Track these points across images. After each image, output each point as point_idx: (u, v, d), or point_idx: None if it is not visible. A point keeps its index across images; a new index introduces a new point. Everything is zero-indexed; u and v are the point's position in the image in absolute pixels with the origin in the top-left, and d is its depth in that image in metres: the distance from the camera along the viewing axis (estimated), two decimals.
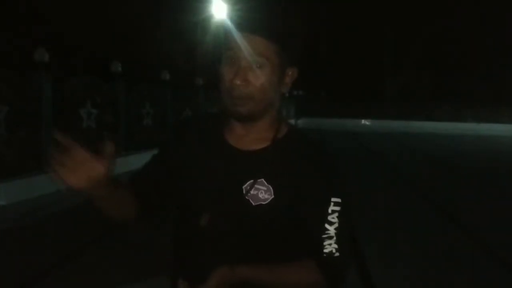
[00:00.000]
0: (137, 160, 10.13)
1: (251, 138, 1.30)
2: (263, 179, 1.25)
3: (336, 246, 1.28)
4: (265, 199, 1.24)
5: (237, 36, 1.21)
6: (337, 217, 1.29)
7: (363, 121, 35.24)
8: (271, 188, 1.25)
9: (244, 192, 1.25)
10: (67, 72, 9.08)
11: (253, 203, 1.24)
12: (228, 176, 1.27)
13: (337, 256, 1.28)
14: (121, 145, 10.26)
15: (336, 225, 1.28)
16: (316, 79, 35.74)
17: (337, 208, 1.29)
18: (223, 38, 1.25)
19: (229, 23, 1.24)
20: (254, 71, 1.21)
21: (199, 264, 1.25)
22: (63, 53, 9.29)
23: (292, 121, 31.06)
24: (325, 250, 1.28)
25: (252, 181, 1.25)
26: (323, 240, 1.28)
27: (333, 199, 1.28)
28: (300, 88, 33.22)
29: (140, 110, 11.70)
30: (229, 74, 1.22)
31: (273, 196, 1.25)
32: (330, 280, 1.29)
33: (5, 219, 6.29)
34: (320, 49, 34.58)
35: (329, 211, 1.28)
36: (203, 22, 17.69)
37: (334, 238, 1.28)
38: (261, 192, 1.25)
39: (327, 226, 1.28)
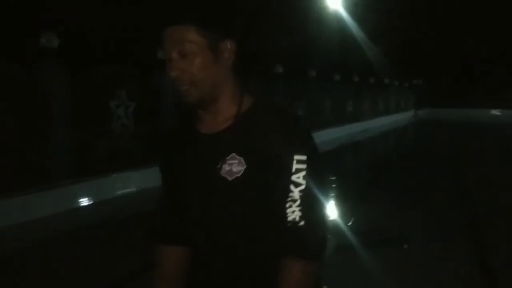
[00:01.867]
0: None
1: (218, 120, 1.30)
2: (234, 153, 1.25)
3: (299, 213, 1.19)
4: (239, 171, 1.24)
5: (163, 34, 1.24)
6: (303, 177, 1.20)
7: (492, 111, 32.30)
8: (242, 159, 1.24)
9: (218, 171, 1.25)
10: None
11: (229, 178, 1.24)
12: (202, 162, 1.29)
13: (301, 226, 1.19)
14: None
15: (301, 186, 1.20)
16: (438, 66, 33.62)
17: (302, 166, 1.21)
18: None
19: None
20: (185, 58, 1.22)
21: (205, 261, 1.31)
22: None
23: (412, 112, 29.63)
24: (288, 218, 1.20)
25: (224, 158, 1.25)
26: (286, 205, 1.20)
27: (296, 157, 1.21)
28: (420, 76, 31.56)
29: None
30: (167, 70, 1.25)
31: (245, 166, 1.23)
32: (297, 258, 1.19)
33: (136, 204, 6.85)
34: (441, 32, 32.45)
35: (293, 169, 1.20)
36: (317, 14, 17.56)
37: (298, 201, 1.19)
38: (234, 166, 1.24)
39: (291, 187, 1.21)
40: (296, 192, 1.19)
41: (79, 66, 7.32)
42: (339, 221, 5.33)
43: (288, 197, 1.20)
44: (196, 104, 1.27)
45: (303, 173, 1.20)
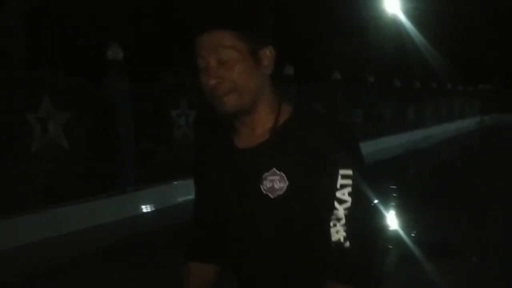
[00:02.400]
0: None
1: (256, 132, 1.22)
2: (274, 168, 1.16)
3: (344, 233, 1.08)
4: (281, 188, 1.15)
5: (197, 40, 1.16)
6: (349, 193, 1.09)
7: None
8: (283, 175, 1.15)
9: (259, 188, 1.17)
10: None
11: (272, 196, 1.16)
12: (241, 178, 1.21)
13: (346, 247, 1.08)
14: None
15: (347, 204, 1.09)
16: (507, 70, 32.03)
17: (347, 182, 1.10)
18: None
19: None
20: (224, 65, 1.14)
21: (246, 280, 1.24)
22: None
23: (478, 118, 28.35)
24: (333, 238, 1.09)
25: (264, 174, 1.16)
26: (330, 223, 1.09)
27: (341, 171, 1.10)
28: (487, 80, 30.15)
29: None
30: (204, 79, 1.18)
31: (287, 183, 1.15)
32: (340, 282, 1.08)
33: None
34: (507, 35, 30.97)
35: (338, 185, 1.10)
36: (376, 18, 17.26)
37: (343, 220, 1.09)
38: (276, 182, 1.16)
39: (336, 205, 1.10)
40: (341, 210, 1.10)
41: (142, 78, 7.58)
42: (401, 232, 5.18)
43: (332, 215, 1.10)
44: (233, 114, 1.20)
45: (349, 189, 1.10)
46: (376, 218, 1.15)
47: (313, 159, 1.12)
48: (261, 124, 1.21)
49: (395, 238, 4.90)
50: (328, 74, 12.97)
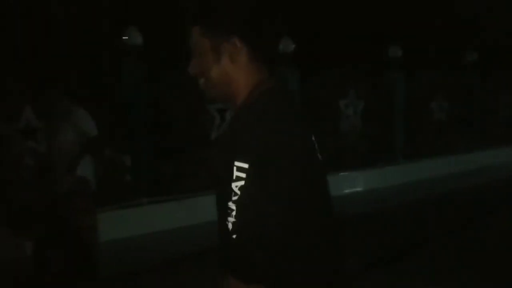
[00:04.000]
0: (490, 157, 9.36)
1: None
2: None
3: (231, 225, 1.07)
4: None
5: None
6: (241, 186, 1.06)
7: None
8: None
9: None
10: (418, 66, 9.12)
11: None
12: None
13: (232, 239, 1.06)
14: (474, 139, 9.67)
15: (236, 197, 1.06)
16: None
17: (242, 175, 1.06)
18: None
19: None
20: (197, 58, 1.22)
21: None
22: (414, 47, 9.37)
23: None
24: (228, 228, 1.08)
25: None
26: (227, 213, 1.08)
27: (236, 163, 1.07)
28: None
29: (497, 102, 10.68)
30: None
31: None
32: (227, 272, 1.06)
33: (361, 204, 6.88)
34: None
35: (233, 177, 1.07)
36: None
37: (234, 212, 1.07)
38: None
39: (232, 196, 1.08)
40: (231, 202, 1.08)
41: (311, 68, 7.68)
42: None
43: (227, 205, 1.09)
44: (217, 101, 1.27)
45: (242, 182, 1.06)
46: (268, 217, 1.06)
47: (224, 148, 1.14)
48: None
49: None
50: (457, 56, 10.46)
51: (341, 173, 7.62)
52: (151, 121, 6.08)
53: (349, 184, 7.62)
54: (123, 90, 6.01)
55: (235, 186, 1.08)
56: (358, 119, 8.24)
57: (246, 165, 1.07)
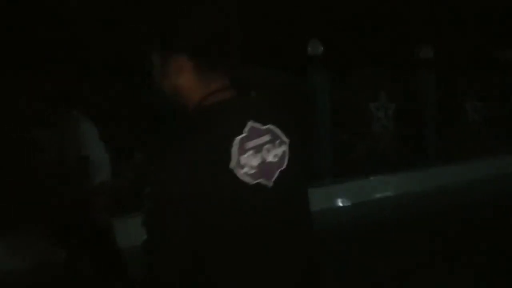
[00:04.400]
0: None
1: None
2: None
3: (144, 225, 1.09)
4: None
5: None
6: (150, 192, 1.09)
7: None
8: None
9: None
10: (450, 66, 8.88)
11: None
12: None
13: (144, 240, 1.09)
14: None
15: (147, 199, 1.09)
16: None
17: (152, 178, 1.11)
18: None
19: None
20: (154, 72, 1.27)
21: None
22: (446, 48, 9.12)
23: None
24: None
25: None
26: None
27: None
28: None
29: None
30: None
31: None
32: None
33: (392, 209, 6.73)
34: None
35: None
36: None
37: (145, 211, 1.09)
38: None
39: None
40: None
41: (341, 70, 7.58)
42: None
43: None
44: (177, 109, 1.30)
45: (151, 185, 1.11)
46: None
47: None
48: None
49: None
50: (490, 55, 9.92)
51: (372, 177, 7.49)
52: None
53: (380, 188, 7.47)
54: None
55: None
56: (389, 122, 8.08)
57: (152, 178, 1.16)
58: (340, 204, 7.05)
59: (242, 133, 1.15)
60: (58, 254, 3.90)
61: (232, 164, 1.12)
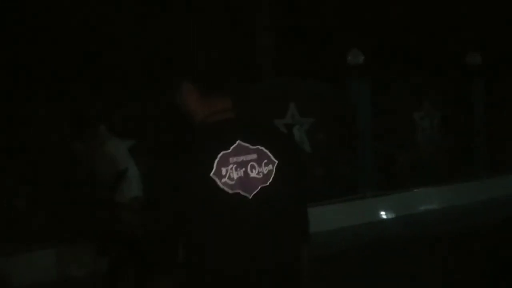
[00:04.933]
0: None
1: None
2: None
3: None
4: None
5: None
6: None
7: None
8: None
9: None
10: (499, 73, 8.47)
11: None
12: None
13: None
14: None
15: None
16: None
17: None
18: None
19: None
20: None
21: None
22: (496, 55, 8.69)
23: None
24: None
25: None
26: None
27: None
28: None
29: None
30: None
31: None
32: None
33: (437, 222, 6.48)
34: None
35: None
36: None
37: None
38: None
39: None
40: None
41: (383, 79, 7.41)
42: None
43: None
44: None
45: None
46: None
47: None
48: None
49: None
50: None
51: (416, 190, 7.25)
52: None
53: (425, 201, 7.22)
54: None
55: None
56: (434, 132, 7.81)
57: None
58: (383, 217, 6.86)
59: (228, 149, 1.36)
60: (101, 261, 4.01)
61: (212, 173, 1.34)
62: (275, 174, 1.38)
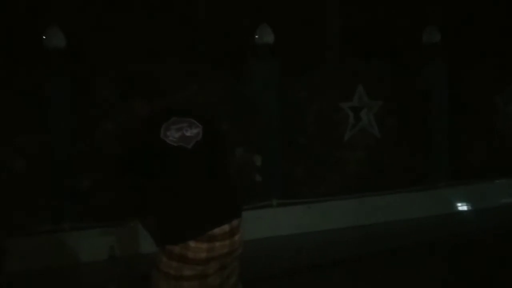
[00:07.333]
0: None
1: None
2: None
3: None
4: None
5: None
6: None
7: None
8: None
9: None
10: None
11: None
12: None
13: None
14: None
15: None
16: None
17: None
18: None
19: None
20: None
21: None
22: None
23: None
24: None
25: None
26: None
27: None
28: None
29: None
30: None
31: None
32: None
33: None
34: None
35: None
36: None
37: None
38: None
39: None
40: None
41: (462, 60, 6.82)
42: None
43: None
44: None
45: None
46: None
47: None
48: None
49: None
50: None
51: (498, 180, 6.67)
52: (281, 121, 5.97)
53: (508, 192, 6.65)
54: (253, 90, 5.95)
55: None
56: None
57: None
58: (456, 209, 6.41)
59: (168, 121, 2.24)
60: None
61: (161, 135, 2.19)
62: (202, 134, 2.25)
